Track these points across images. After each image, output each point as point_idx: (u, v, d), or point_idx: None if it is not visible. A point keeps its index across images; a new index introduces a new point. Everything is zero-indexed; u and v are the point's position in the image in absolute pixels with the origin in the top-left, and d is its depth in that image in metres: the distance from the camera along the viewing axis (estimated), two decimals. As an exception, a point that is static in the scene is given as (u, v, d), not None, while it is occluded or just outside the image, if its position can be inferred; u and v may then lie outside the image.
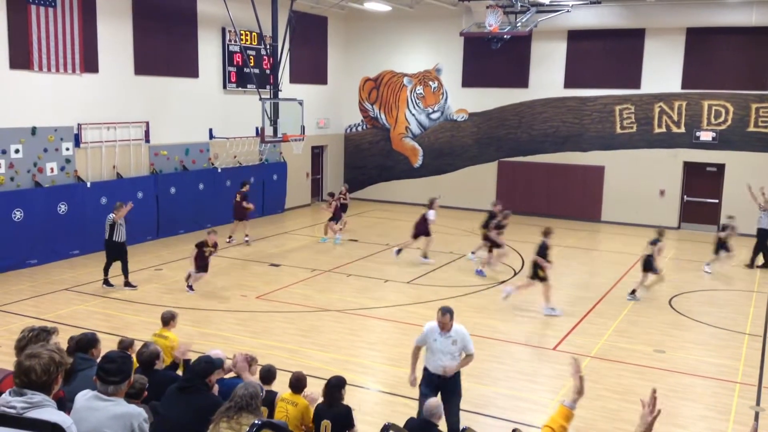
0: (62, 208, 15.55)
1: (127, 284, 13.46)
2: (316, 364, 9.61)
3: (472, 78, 23.61)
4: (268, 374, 6.69)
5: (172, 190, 18.38)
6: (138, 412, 4.16)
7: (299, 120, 18.00)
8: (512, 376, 9.71)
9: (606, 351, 10.72)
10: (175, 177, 18.54)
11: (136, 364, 6.47)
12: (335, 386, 6.35)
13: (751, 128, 20.04)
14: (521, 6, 19.85)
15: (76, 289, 13.41)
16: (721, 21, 19.45)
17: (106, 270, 13.49)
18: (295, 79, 22.51)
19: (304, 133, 18.42)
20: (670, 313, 12.81)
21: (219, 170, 19.82)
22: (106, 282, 13.48)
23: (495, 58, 22.61)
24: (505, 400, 8.99)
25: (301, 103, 18.13)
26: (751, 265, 16.55)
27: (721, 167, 20.59)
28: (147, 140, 17.75)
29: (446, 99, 24.16)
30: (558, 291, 14.14)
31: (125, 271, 13.44)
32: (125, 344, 6.83)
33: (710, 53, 20.38)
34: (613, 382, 9.49)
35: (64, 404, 4.35)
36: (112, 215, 13.14)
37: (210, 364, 5.54)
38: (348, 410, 6.31)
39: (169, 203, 18.20)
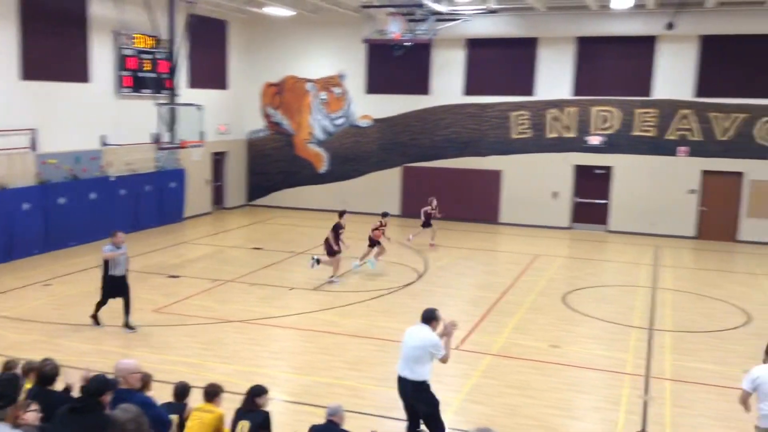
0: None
1: (127, 325, 11.59)
2: (220, 377, 9.36)
3: (375, 84, 23.85)
4: (183, 390, 6.70)
5: (62, 200, 17.48)
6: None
7: (198, 126, 17.59)
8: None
9: (506, 348, 11.08)
10: (65, 187, 17.63)
11: (28, 384, 6.14)
12: (255, 393, 6.49)
13: (636, 132, 21.28)
14: (422, 14, 20.24)
15: (-44, 308, 12.51)
16: (609, 30, 20.57)
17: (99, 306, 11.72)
18: (194, 83, 21.99)
19: (203, 139, 18.02)
20: (564, 309, 13.39)
21: (112, 179, 19.03)
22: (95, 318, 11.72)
23: (398, 65, 22.95)
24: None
25: (200, 108, 17.72)
26: None
27: (608, 170, 21.74)
28: (33, 148, 16.80)
29: (350, 105, 24.27)
30: (460, 291, 14.54)
31: (127, 310, 11.59)
32: (9, 366, 6.45)
33: (599, 61, 21.51)
34: (513, 379, 9.82)
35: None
36: (108, 248, 11.39)
37: (104, 383, 5.37)
38: (266, 415, 6.44)
39: (58, 214, 17.29)
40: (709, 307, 13.80)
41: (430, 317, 7.35)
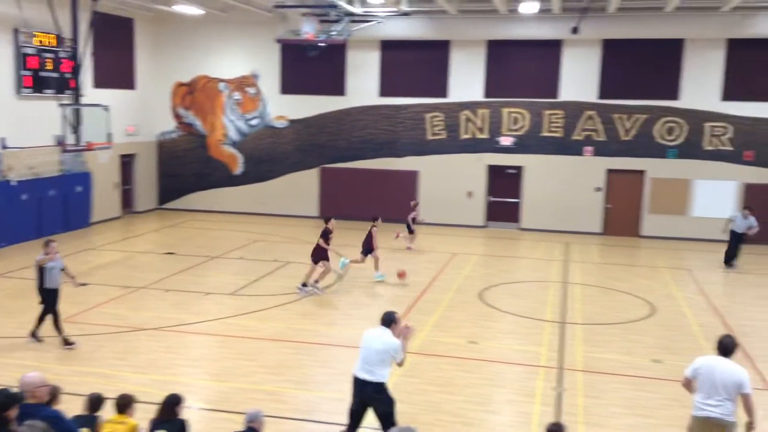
0: None
1: (65, 342, 10.80)
2: (134, 388, 9.04)
3: (290, 85, 23.64)
4: (97, 402, 6.47)
5: (-43, 206, 16.42)
6: None
7: (105, 127, 16.91)
8: (339, 380, 9.81)
9: (426, 346, 11.21)
10: (-39, 192, 16.57)
11: None
12: (172, 402, 6.38)
13: (545, 133, 22.04)
14: (335, 15, 20.21)
15: None
16: (517, 34, 21.19)
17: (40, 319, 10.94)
18: (99, 83, 21.12)
19: (111, 141, 17.33)
20: (481, 306, 13.69)
21: (13, 183, 18.01)
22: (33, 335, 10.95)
23: (312, 66, 22.84)
24: (333, 404, 9.08)
25: (106, 108, 17.04)
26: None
27: (520, 169, 22.41)
28: (-77, 151, 15.67)
29: (265, 105, 23.95)
30: (380, 292, 14.60)
31: (41, 320, 10.86)
32: None
33: (508, 64, 22.13)
34: (433, 376, 9.96)
35: None
36: (40, 256, 10.71)
37: (9, 398, 5.08)
38: (183, 424, 6.34)
39: (-47, 221, 16.23)
40: (615, 300, 14.44)
41: (390, 320, 7.50)
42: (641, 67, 21.14)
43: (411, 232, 19.14)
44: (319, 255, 14.29)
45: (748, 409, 6.60)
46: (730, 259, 17.75)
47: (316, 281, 14.26)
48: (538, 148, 22.08)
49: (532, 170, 22.22)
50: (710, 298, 14.64)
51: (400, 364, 7.47)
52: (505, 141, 22.32)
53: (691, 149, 21.04)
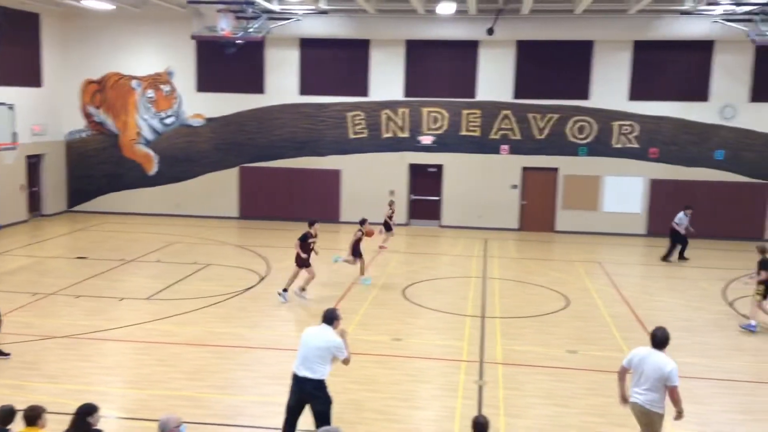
0: None
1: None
2: (45, 399, 8.63)
3: (207, 82, 23.11)
4: (8, 415, 6.20)
5: None
6: None
7: (10, 126, 16.06)
8: (263, 383, 9.71)
9: (351, 345, 11.18)
10: None
11: None
12: (85, 412, 6.13)
13: (463, 132, 22.45)
14: (253, 12, 19.93)
15: None
16: (435, 34, 21.48)
17: None
18: (3, 81, 20.00)
19: (16, 141, 16.46)
20: (404, 303, 13.82)
21: None
22: None
23: (230, 63, 22.41)
24: (257, 407, 8.96)
25: (11, 107, 16.17)
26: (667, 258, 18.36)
27: (440, 168, 22.75)
28: None
29: (180, 103, 23.32)
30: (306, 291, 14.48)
31: None
32: None
33: (427, 64, 22.40)
34: (358, 374, 9.96)
35: None
36: None
37: None
38: None
39: None
40: (532, 294, 14.89)
41: (332, 317, 7.56)
42: (553, 67, 21.86)
43: (389, 230, 18.96)
44: (301, 260, 13.71)
45: (675, 401, 6.94)
46: (681, 254, 18.41)
47: (303, 289, 13.72)
48: (458, 147, 22.48)
49: (452, 169, 22.61)
50: (620, 290, 15.31)
51: (346, 362, 7.59)
52: (426, 140, 22.61)
53: (600, 147, 21.92)
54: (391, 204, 19.33)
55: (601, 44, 21.44)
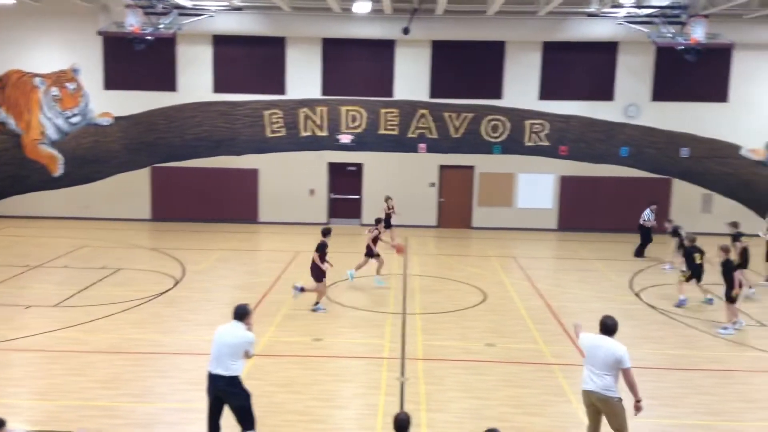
0: None
1: None
2: (-58, 416, 8.11)
3: (115, 80, 22.29)
4: None
5: None
6: None
7: None
8: (181, 389, 9.45)
9: (269, 347, 11.09)
10: None
11: None
12: None
13: (382, 131, 22.60)
14: (163, 7, 19.35)
15: None
16: (352, 33, 21.49)
17: None
18: None
19: None
20: (325, 302, 13.72)
21: None
22: None
23: (140, 60, 21.68)
24: (175, 414, 8.73)
25: None
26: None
27: (359, 166, 22.81)
28: None
29: (87, 102, 22.37)
30: (220, 295, 14.22)
31: None
32: None
33: (345, 62, 22.40)
34: (278, 376, 9.87)
35: None
36: None
37: None
38: None
39: None
40: (451, 289, 15.15)
41: (244, 313, 7.59)
42: (468, 67, 22.31)
43: (388, 227, 18.65)
44: (318, 272, 13.09)
45: (630, 383, 7.21)
46: (640, 251, 18.84)
47: (316, 303, 13.20)
48: (376, 146, 22.60)
49: (371, 167, 22.71)
50: (535, 283, 15.81)
51: (249, 357, 7.63)
52: (345, 139, 22.61)
53: (514, 145, 22.55)
54: (387, 200, 19.48)
55: (512, 45, 22.05)
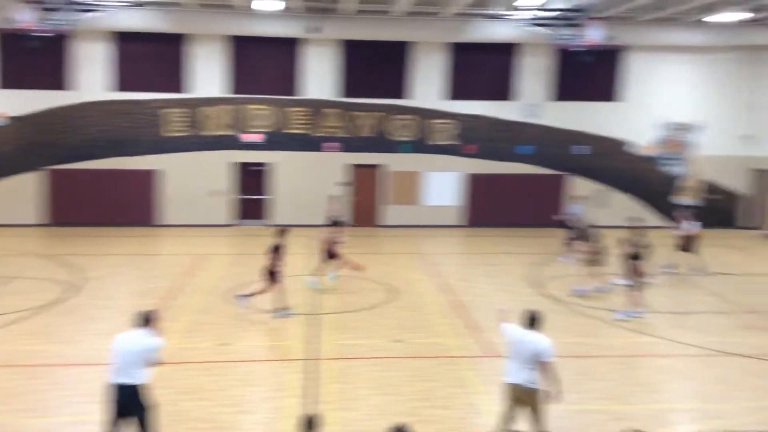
0: None
1: None
2: None
3: (8, 78, 21.04)
4: None
5: None
6: None
7: None
8: (78, 401, 9.01)
9: (174, 354, 10.71)
10: None
11: None
12: None
13: (289, 130, 22.38)
14: (57, 3, 18.43)
15: None
16: (258, 31, 21.15)
17: None
18: None
19: None
20: (232, 307, 13.46)
21: None
22: None
23: (35, 57, 20.58)
24: (71, 428, 8.32)
25: None
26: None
27: (267, 166, 22.50)
28: None
29: (-26, 101, 21.01)
30: (119, 302, 13.67)
31: None
32: None
33: (251, 60, 22.03)
34: (184, 384, 9.59)
35: None
36: None
37: None
38: None
39: None
40: (361, 287, 15.18)
41: (148, 319, 7.36)
42: (376, 67, 22.44)
43: (335, 226, 18.20)
44: (274, 275, 12.66)
45: (552, 376, 7.38)
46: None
47: (283, 308, 12.75)
48: (284, 145, 22.37)
49: (280, 167, 22.45)
50: (443, 279, 16.08)
51: (156, 364, 7.40)
52: (251, 138, 22.24)
53: (421, 144, 22.87)
54: (332, 200, 19.57)
55: (419, 45, 22.34)
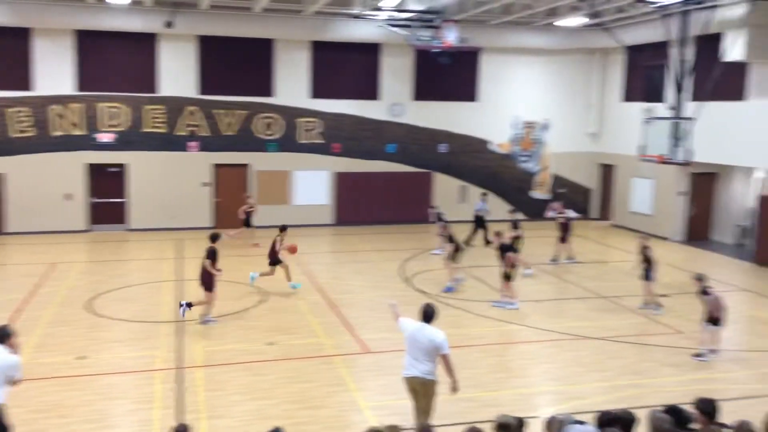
0: None
1: None
2: None
3: None
4: None
5: None
6: None
7: None
8: None
9: (27, 370, 9.71)
10: None
11: None
12: None
13: (147, 129, 21.33)
14: None
15: None
16: (109, 25, 19.95)
17: None
18: None
19: None
20: (89, 317, 12.66)
21: None
22: None
23: None
24: None
25: None
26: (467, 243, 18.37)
27: (123, 167, 21.32)
28: None
29: None
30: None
31: None
32: None
33: (103, 56, 20.75)
34: (40, 401, 8.87)
35: None
36: None
37: None
38: None
39: None
40: (230, 291, 14.73)
41: (4, 335, 6.73)
42: (238, 64, 21.91)
43: (248, 226, 17.34)
44: (209, 281, 12.20)
45: (449, 369, 7.53)
46: (486, 239, 19.50)
47: (205, 315, 12.33)
48: (142, 145, 21.29)
49: (137, 168, 21.34)
50: (314, 278, 16.01)
51: (16, 383, 6.79)
52: (104, 137, 20.97)
53: (288, 143, 22.62)
54: (247, 198, 19.32)
55: (281, 43, 22.07)
